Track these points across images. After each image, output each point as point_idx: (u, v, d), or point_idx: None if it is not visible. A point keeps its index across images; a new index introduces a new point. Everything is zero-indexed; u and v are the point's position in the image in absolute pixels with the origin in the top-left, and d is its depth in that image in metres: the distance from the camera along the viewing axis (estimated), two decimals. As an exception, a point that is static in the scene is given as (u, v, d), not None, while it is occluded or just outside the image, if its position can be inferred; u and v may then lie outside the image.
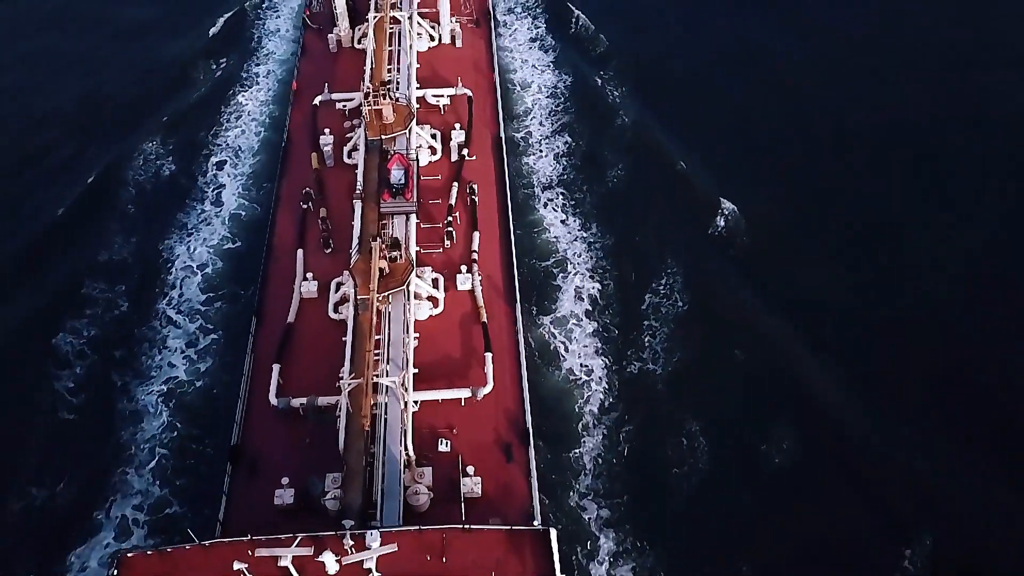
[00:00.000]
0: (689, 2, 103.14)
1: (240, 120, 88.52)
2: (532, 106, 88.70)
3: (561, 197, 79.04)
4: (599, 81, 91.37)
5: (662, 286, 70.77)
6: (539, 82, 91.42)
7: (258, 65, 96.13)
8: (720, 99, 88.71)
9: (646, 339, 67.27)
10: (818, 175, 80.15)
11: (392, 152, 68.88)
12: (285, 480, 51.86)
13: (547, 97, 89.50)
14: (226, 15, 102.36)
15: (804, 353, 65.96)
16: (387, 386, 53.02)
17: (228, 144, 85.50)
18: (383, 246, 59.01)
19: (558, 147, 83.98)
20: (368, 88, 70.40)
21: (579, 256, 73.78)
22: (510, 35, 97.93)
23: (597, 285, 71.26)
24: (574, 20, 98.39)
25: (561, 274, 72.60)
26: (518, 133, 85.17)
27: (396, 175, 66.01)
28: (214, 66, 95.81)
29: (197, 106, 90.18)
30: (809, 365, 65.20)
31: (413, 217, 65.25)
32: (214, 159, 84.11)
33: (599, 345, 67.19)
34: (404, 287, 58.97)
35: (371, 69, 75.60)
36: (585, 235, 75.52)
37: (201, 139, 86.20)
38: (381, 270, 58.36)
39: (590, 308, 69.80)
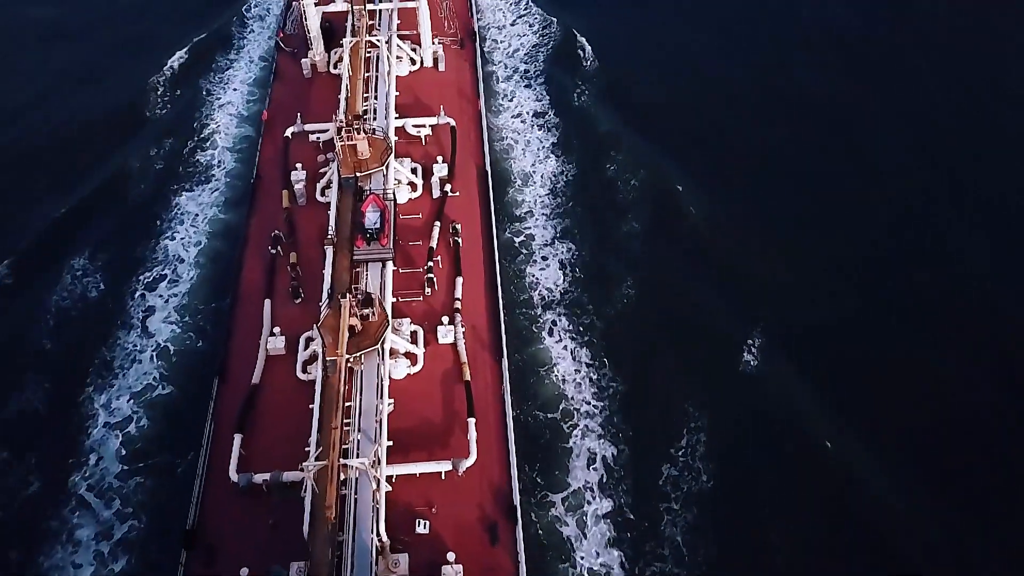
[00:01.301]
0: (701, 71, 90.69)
1: (186, 218, 74.94)
2: (533, 203, 75.50)
3: (565, 319, 66.04)
4: (608, 172, 78.05)
5: (682, 450, 57.92)
6: (541, 171, 78.31)
7: (207, 140, 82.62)
8: (733, 198, 76.34)
9: (665, 528, 54.59)
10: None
11: (367, 192, 63.58)
12: (245, 571, 46.42)
13: (548, 192, 76.52)
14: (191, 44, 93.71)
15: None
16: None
17: (167, 255, 71.39)
18: (354, 302, 53.62)
19: (561, 253, 71.04)
20: (341, 121, 64.97)
21: (588, 403, 60.69)
22: (510, 106, 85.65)
23: (611, 448, 58.06)
24: (578, 92, 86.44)
25: (569, 426, 59.43)
26: (518, 237, 72.51)
27: (371, 218, 60.65)
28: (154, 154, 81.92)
29: (138, 206, 76.81)
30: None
31: (390, 264, 59.88)
32: (150, 273, 70.26)
33: (614, 533, 54.46)
34: (378, 346, 53.58)
35: (346, 99, 70.21)
36: (595, 376, 62.18)
37: (139, 253, 71.98)
38: (352, 328, 53.04)
39: (604, 476, 56.89)
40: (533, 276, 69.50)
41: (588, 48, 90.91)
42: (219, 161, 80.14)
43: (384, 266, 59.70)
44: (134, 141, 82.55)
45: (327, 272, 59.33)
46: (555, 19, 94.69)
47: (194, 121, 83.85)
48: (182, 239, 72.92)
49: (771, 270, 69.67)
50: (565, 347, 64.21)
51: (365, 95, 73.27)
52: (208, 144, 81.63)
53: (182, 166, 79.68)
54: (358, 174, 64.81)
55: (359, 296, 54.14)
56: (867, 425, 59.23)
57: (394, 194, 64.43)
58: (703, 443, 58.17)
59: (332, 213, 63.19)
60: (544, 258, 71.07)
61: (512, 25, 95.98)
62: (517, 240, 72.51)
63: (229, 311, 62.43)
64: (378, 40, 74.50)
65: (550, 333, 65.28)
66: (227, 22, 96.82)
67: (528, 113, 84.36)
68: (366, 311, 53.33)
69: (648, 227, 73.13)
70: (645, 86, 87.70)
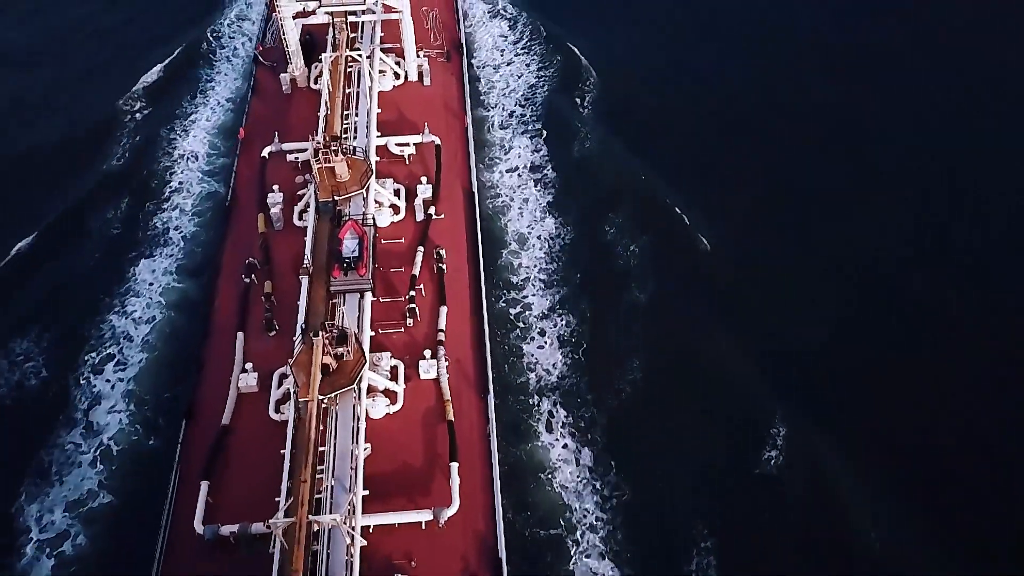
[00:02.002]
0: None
1: (140, 288, 67.01)
2: (530, 268, 68.34)
3: (563, 409, 59.02)
4: (608, 235, 70.90)
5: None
6: (538, 232, 70.98)
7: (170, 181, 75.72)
8: (752, 257, 69.51)
9: None
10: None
11: (346, 217, 60.27)
12: None
13: (545, 255, 69.30)
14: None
15: None
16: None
17: (116, 333, 63.60)
18: (328, 339, 50.27)
19: (559, 328, 63.78)
20: (318, 143, 61.60)
21: (590, 513, 54.14)
22: (507, 159, 77.98)
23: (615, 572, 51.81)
24: (579, 140, 79.55)
25: (572, 541, 53.08)
26: (514, 308, 65.35)
27: (349, 246, 57.44)
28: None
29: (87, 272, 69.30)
30: None
31: (368, 295, 56.56)
32: (97, 354, 62.30)
33: None
34: (354, 386, 50.23)
35: (325, 118, 66.84)
36: (598, 483, 55.28)
37: (86, 331, 64.27)
38: (326, 367, 49.70)
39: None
40: (531, 356, 62.11)
41: (591, 79, 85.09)
42: (177, 225, 71.86)
43: (362, 297, 56.42)
44: (85, 197, 74.37)
45: (302, 303, 55.99)
46: (557, 56, 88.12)
47: (154, 177, 75.78)
48: (134, 313, 64.88)
49: (797, 336, 63.05)
50: (565, 446, 57.13)
51: (345, 112, 70.07)
52: (167, 204, 73.69)
53: (138, 228, 71.62)
54: (336, 198, 61.48)
55: (334, 333, 50.84)
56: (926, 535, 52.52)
57: (374, 219, 61.09)
58: (713, 569, 51.66)
59: (308, 240, 59.82)
60: (541, 332, 63.68)
61: (508, 65, 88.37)
62: (512, 311, 65.12)
63: (199, 344, 59.06)
64: (359, 55, 71.15)
65: (548, 428, 58.06)
66: (197, 40, 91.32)
67: (524, 167, 76.66)
68: (340, 349, 49.98)
69: (653, 298, 65.69)
70: (654, 134, 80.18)
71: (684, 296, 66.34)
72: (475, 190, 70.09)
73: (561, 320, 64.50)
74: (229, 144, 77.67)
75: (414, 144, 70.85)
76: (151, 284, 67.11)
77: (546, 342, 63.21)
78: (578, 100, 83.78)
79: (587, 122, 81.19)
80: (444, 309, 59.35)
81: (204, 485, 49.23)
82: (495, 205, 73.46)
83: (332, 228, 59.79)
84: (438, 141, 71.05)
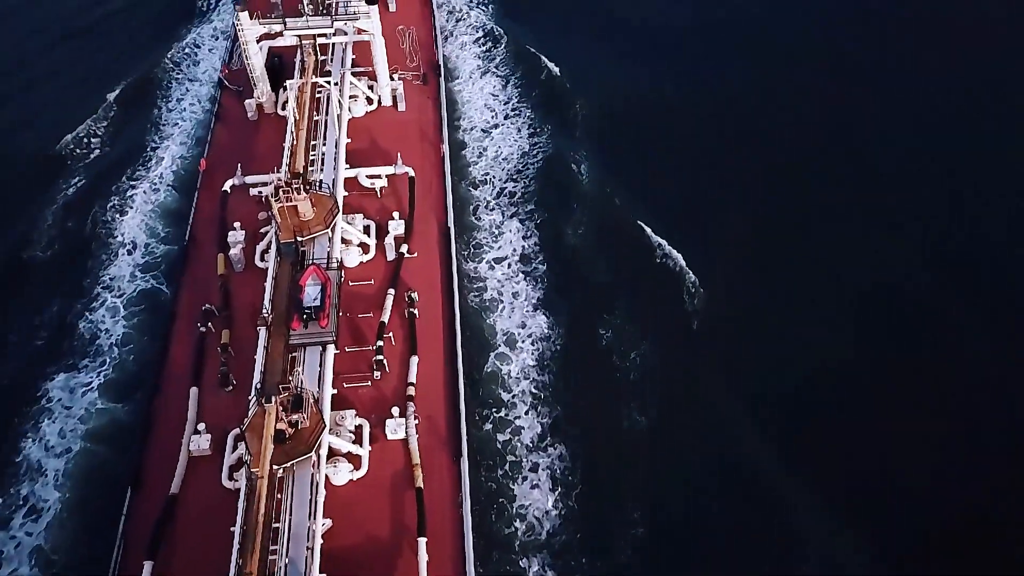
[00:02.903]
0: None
1: (55, 411, 57.35)
2: (519, 380, 59.38)
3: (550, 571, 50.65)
4: (604, 342, 62.04)
5: None
6: (529, 330, 62.31)
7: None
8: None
9: None
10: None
11: (309, 261, 55.92)
12: None
13: (535, 363, 60.34)
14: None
15: None
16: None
17: (27, 468, 54.29)
18: (283, 403, 45.91)
19: (554, 465, 54.84)
20: (280, 180, 57.19)
21: None
22: (495, 247, 68.87)
23: None
24: (572, 227, 70.51)
25: None
26: (501, 434, 56.29)
27: (310, 294, 53.16)
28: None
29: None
30: None
31: (331, 348, 52.12)
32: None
33: None
34: (312, 453, 45.84)
35: (290, 151, 62.40)
36: None
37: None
38: (281, 433, 45.32)
39: None
40: (522, 502, 52.86)
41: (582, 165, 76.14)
42: (107, 328, 62.05)
43: (324, 350, 51.97)
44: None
45: (259, 358, 51.52)
46: (547, 127, 79.38)
47: (85, 276, 66.04)
48: (47, 443, 55.16)
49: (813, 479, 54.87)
50: None
51: (313, 143, 65.74)
52: (97, 302, 64.12)
53: (59, 333, 62.44)
54: (299, 238, 57.12)
55: (289, 397, 46.40)
56: None
57: (339, 262, 56.68)
58: None
59: (268, 286, 55.36)
60: (534, 467, 54.57)
61: (496, 128, 79.57)
62: (500, 439, 55.97)
63: (148, 401, 54.53)
64: (328, 81, 66.73)
65: None
66: (150, 72, 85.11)
67: (515, 258, 67.33)
68: (296, 416, 45.59)
69: (655, 422, 57.23)
70: (654, 209, 71.59)
71: (691, 422, 57.29)
72: (451, 224, 65.65)
73: (555, 452, 55.41)
74: (173, 229, 69.20)
75: (386, 176, 66.51)
76: (68, 408, 57.22)
77: (538, 479, 54.14)
78: (575, 167, 75.48)
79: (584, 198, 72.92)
80: (415, 360, 54.99)
81: (147, 566, 44.79)
82: (481, 299, 64.42)
83: (293, 273, 55.40)
84: (412, 173, 66.71)
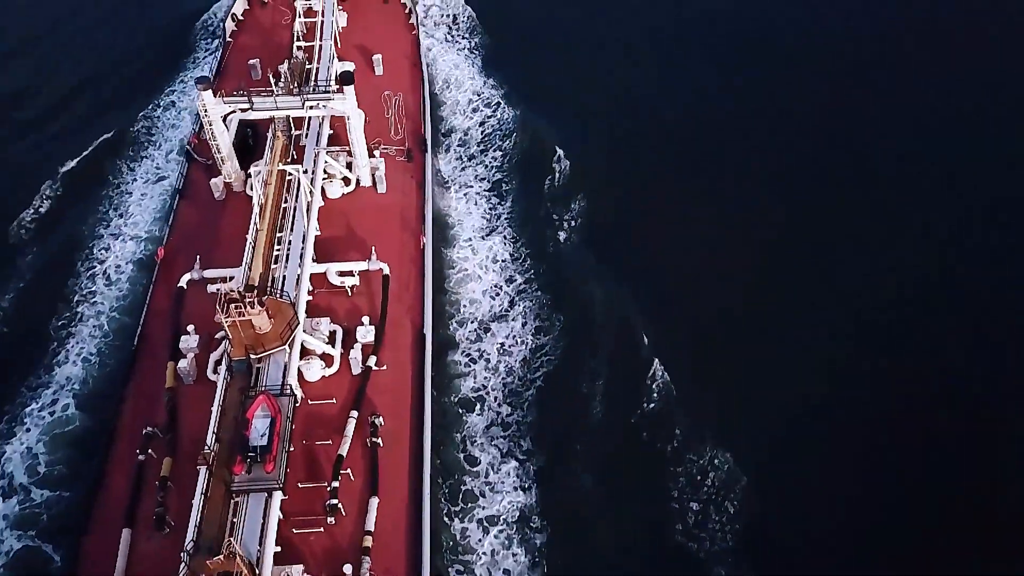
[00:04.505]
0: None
1: None
2: (492, 534, 53.83)
3: None
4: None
5: None
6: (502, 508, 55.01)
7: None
8: None
9: None
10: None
11: (261, 386, 50.12)
12: None
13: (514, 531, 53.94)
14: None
15: None
16: None
17: None
18: (215, 569, 40.11)
19: None
20: (231, 292, 51.30)
21: None
22: (486, 371, 62.28)
23: None
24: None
25: None
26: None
27: (258, 429, 47.35)
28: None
29: None
30: None
31: (277, 495, 46.16)
32: None
33: None
34: (246, 632, 40.01)
35: (249, 257, 56.57)
36: None
37: None
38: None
39: None
40: None
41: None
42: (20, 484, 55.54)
43: (270, 498, 46.02)
44: None
45: (196, 503, 45.65)
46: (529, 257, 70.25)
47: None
48: None
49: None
50: None
51: (280, 234, 60.10)
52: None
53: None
54: (252, 356, 51.36)
55: (219, 561, 40.59)
56: None
57: (292, 390, 50.72)
58: None
59: (213, 413, 49.45)
60: None
61: (484, 239, 71.66)
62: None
63: (75, 543, 48.75)
64: (297, 169, 60.91)
65: None
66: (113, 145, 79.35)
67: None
68: (228, 591, 39.76)
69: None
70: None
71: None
72: (428, 331, 59.72)
73: None
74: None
75: (358, 272, 60.68)
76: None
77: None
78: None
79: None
80: (375, 502, 48.99)
81: None
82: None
83: (243, 399, 49.53)
84: (386, 270, 60.82)
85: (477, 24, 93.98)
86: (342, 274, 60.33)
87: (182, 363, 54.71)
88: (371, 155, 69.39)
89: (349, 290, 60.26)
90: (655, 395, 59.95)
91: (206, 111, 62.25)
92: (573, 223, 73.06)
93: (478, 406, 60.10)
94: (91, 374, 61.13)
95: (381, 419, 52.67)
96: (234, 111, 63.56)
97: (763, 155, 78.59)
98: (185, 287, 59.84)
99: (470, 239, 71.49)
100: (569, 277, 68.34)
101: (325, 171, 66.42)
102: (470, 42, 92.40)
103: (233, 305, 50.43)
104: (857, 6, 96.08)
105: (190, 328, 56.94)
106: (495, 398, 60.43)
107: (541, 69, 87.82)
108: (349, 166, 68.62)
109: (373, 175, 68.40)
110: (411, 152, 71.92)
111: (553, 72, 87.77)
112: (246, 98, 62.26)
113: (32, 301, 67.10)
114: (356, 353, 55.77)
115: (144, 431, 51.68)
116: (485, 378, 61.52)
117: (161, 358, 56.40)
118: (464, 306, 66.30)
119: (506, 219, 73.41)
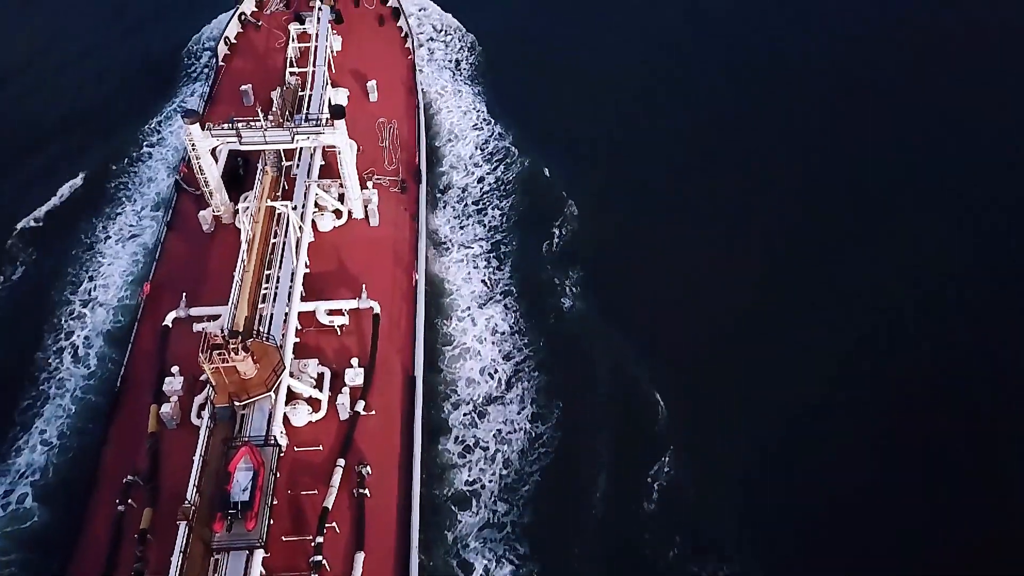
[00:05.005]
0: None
1: None
2: None
3: None
4: None
5: None
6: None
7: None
8: None
9: None
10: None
11: (245, 436, 48.63)
12: None
13: None
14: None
15: None
16: None
17: None
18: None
19: None
20: (216, 336, 49.79)
21: None
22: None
23: None
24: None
25: None
26: None
27: (240, 483, 45.80)
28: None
29: None
30: None
31: (259, 554, 44.61)
32: None
33: None
34: None
35: (234, 303, 55.04)
36: None
37: None
38: None
39: None
40: None
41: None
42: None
43: (251, 556, 44.48)
44: None
45: (175, 560, 44.14)
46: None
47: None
48: None
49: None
50: None
51: (268, 271, 58.67)
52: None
53: None
54: (236, 403, 49.88)
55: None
56: None
57: (276, 439, 49.20)
58: None
59: (194, 464, 47.92)
60: None
61: (482, 308, 67.11)
62: None
63: None
64: (283, 207, 59.39)
65: None
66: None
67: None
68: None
69: None
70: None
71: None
72: (418, 374, 58.19)
73: None
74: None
75: (348, 311, 59.21)
76: None
77: None
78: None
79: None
80: (360, 557, 47.34)
81: None
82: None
83: (226, 449, 48.05)
84: (377, 308, 59.27)
85: (479, 60, 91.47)
86: (331, 313, 58.78)
87: (165, 407, 53.18)
88: (364, 186, 67.97)
89: (338, 329, 58.77)
90: (657, 495, 55.98)
91: (193, 145, 60.85)
92: (576, 289, 68.04)
93: (473, 502, 55.59)
94: (52, 461, 57.09)
95: (368, 468, 51.10)
96: (220, 144, 62.16)
97: (781, 222, 73.97)
98: (171, 325, 58.37)
99: (468, 308, 66.59)
100: (571, 355, 63.25)
101: (316, 203, 65.04)
102: (472, 87, 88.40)
103: (216, 352, 49.01)
104: (856, 18, 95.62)
105: (174, 369, 55.45)
106: (490, 493, 55.85)
107: (544, 112, 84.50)
108: (341, 197, 67.18)
109: (366, 208, 66.90)
110: (405, 183, 70.41)
111: (556, 116, 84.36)
112: (234, 131, 60.75)
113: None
114: (344, 398, 54.21)
115: (124, 480, 50.18)
116: (481, 470, 57.22)
117: (144, 400, 54.92)
118: (460, 387, 61.44)
119: (506, 284, 68.52)
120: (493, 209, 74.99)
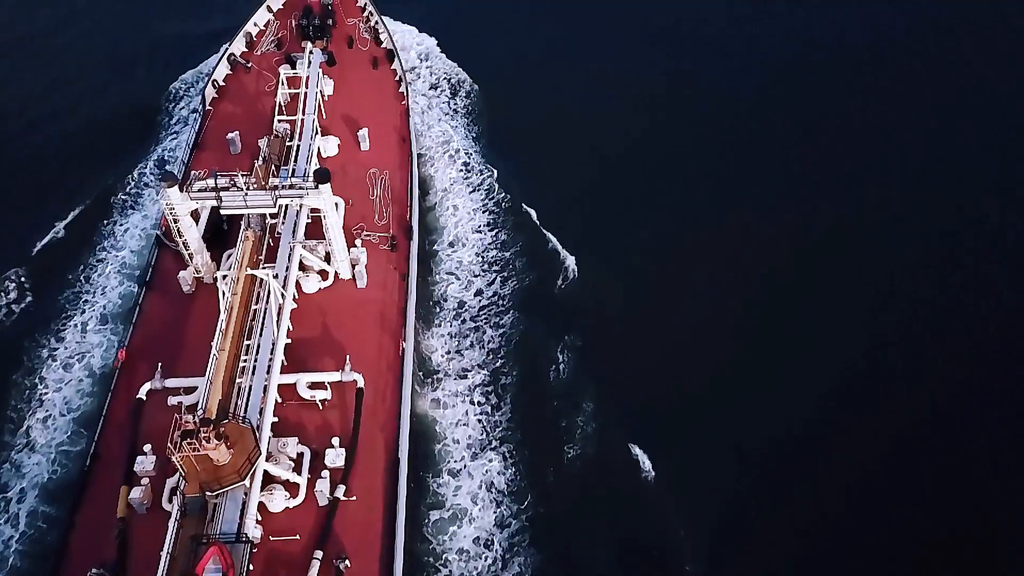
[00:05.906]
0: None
1: None
2: None
3: None
4: None
5: None
6: None
7: None
8: None
9: None
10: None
11: (216, 531, 45.76)
12: None
13: None
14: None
15: None
16: None
17: None
18: None
19: None
20: (188, 423, 46.96)
21: None
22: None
23: None
24: None
25: None
26: None
27: (207, 589, 42.91)
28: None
29: None
30: None
31: (225, 668, 41.83)
32: None
33: None
34: None
35: (211, 377, 52.21)
36: None
37: None
38: None
39: None
40: None
41: None
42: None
43: (217, 670, 41.70)
44: None
45: None
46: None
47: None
48: None
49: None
50: None
51: (248, 342, 55.87)
52: None
53: None
54: (208, 494, 47.01)
55: None
56: None
57: (248, 535, 46.32)
58: None
59: (162, 560, 45.05)
60: None
61: (476, 459, 61.33)
62: None
63: None
64: (264, 274, 56.58)
65: None
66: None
67: None
68: None
69: None
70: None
71: None
72: (403, 455, 55.27)
73: None
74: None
75: (330, 384, 56.36)
76: None
77: None
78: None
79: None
80: None
81: None
82: None
83: (193, 548, 45.14)
84: (361, 382, 56.37)
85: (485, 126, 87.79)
86: (313, 386, 55.98)
87: (135, 491, 50.29)
88: (352, 244, 65.25)
89: (320, 404, 55.92)
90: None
91: (172, 209, 58.19)
92: (585, 429, 62.25)
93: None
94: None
95: (348, 562, 48.16)
96: (201, 207, 59.56)
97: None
98: (145, 398, 55.57)
99: (463, 458, 60.72)
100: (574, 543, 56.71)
101: (301, 264, 62.33)
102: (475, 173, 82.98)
103: (186, 441, 46.16)
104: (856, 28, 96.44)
105: (147, 448, 52.63)
106: None
107: (560, 192, 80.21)
108: (328, 256, 64.35)
109: (353, 268, 64.13)
110: (395, 240, 67.51)
111: (574, 197, 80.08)
112: (214, 193, 58.08)
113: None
114: (324, 484, 51.23)
115: (90, 573, 47.31)
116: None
117: (114, 481, 52.11)
118: (450, 560, 55.39)
119: (504, 428, 62.47)
120: (491, 328, 69.73)
